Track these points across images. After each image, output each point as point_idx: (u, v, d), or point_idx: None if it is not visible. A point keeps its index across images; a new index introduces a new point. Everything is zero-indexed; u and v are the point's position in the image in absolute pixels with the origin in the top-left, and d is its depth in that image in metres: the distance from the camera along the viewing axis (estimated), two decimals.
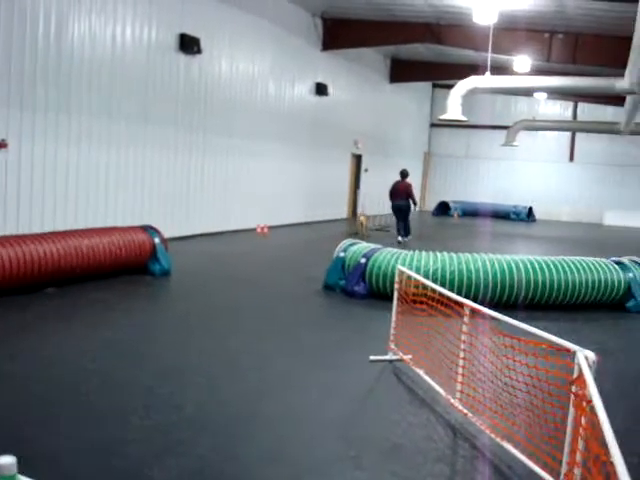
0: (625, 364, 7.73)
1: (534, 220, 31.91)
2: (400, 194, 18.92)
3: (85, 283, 10.19)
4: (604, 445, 2.88)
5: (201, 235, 16.94)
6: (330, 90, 23.25)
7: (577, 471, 3.67)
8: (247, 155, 18.90)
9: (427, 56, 26.98)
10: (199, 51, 16.09)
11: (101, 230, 10.98)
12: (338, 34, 22.48)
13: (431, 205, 34.52)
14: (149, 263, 11.28)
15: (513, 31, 20.74)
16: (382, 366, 6.83)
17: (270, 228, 19.40)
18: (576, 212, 33.68)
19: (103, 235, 10.65)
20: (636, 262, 11.02)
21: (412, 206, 19.04)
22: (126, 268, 11.01)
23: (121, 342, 7.34)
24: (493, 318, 5.08)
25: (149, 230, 11.58)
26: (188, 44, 15.68)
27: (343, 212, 26.17)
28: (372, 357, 6.97)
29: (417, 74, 29.64)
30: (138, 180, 14.87)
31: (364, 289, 10.27)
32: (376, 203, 26.78)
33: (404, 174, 19.21)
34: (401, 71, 29.24)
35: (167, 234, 12.51)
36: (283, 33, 20.22)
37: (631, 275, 10.63)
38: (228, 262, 13.66)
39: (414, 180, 34.67)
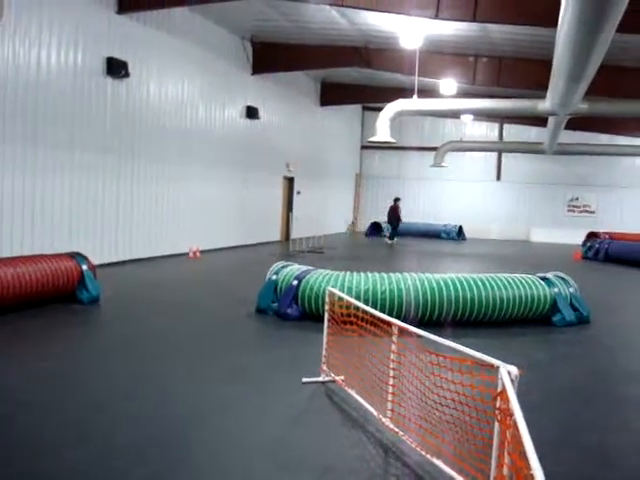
0: (552, 377, 7.92)
1: (464, 239, 32.53)
2: (395, 211, 29.02)
3: (11, 313, 9.89)
4: (526, 458, 2.95)
5: (132, 261, 16.69)
6: (261, 114, 23.34)
7: None
8: (178, 179, 18.77)
9: (357, 79, 27.39)
10: (127, 75, 15.96)
11: (27, 258, 10.69)
12: (267, 58, 22.63)
13: (363, 226, 34.86)
14: (77, 291, 11.05)
15: (439, 55, 21.28)
16: (315, 388, 6.83)
17: (202, 252, 19.27)
18: (504, 230, 34.53)
19: (29, 263, 10.37)
20: (561, 277, 11.35)
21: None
22: (53, 296, 10.75)
23: (50, 373, 7.14)
24: (420, 336, 5.15)
25: (77, 257, 11.34)
26: (115, 68, 15.53)
27: (276, 235, 26.17)
28: (305, 379, 6.97)
29: (347, 97, 30.05)
30: (65, 207, 14.57)
31: (297, 311, 10.27)
32: (309, 225, 26.89)
33: (397, 199, 29.60)
34: (331, 94, 29.58)
35: (96, 261, 12.29)
36: (212, 57, 20.24)
37: (556, 290, 10.93)
38: (159, 287, 13.49)
39: (346, 201, 35.11)
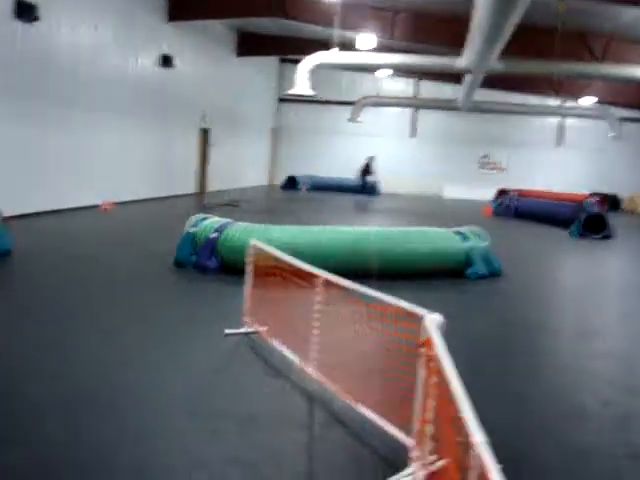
0: (467, 327, 8.17)
1: (379, 194, 32.91)
2: (369, 170, 32.41)
3: None
4: (453, 401, 3.06)
5: (43, 212, 16.12)
6: (176, 62, 22.76)
7: (428, 428, 3.87)
8: (90, 128, 18.15)
9: (275, 30, 27.01)
10: (37, 18, 15.19)
11: None
12: (184, 4, 21.99)
13: (280, 179, 34.78)
14: None
15: (359, 8, 21.16)
16: (238, 339, 6.85)
17: (116, 204, 18.83)
18: (418, 186, 35.13)
19: None
20: (474, 232, 11.67)
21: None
22: None
23: None
24: (344, 287, 5.21)
25: None
26: (25, 11, 14.73)
27: (191, 187, 25.78)
28: (227, 331, 6.97)
29: (265, 48, 29.62)
30: None
31: (216, 263, 10.21)
32: (224, 177, 26.65)
33: (370, 157, 32.49)
34: (248, 45, 29.08)
35: (7, 212, 11.83)
36: (127, 1, 19.50)
37: (470, 244, 11.24)
38: (72, 240, 13.12)
39: (262, 154, 34.92)
